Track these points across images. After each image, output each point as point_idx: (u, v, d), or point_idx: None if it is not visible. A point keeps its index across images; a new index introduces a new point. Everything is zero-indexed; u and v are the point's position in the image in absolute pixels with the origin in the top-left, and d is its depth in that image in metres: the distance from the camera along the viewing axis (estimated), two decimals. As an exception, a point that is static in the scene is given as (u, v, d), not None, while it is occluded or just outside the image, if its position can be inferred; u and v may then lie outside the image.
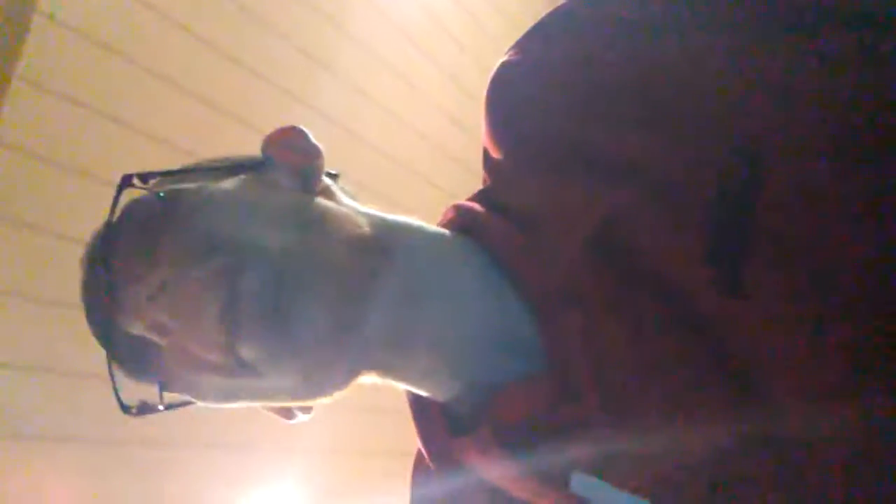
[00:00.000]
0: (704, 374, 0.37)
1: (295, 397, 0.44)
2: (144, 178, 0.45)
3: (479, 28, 2.06)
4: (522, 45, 0.46)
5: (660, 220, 0.39)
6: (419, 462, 0.49)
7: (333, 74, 1.73)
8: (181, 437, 1.37)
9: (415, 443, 0.48)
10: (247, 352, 0.39)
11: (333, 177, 0.49)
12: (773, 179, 0.36)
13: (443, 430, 0.46)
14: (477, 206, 0.47)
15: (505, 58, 0.47)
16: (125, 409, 0.43)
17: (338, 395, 0.44)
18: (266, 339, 0.39)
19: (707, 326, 0.37)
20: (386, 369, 0.44)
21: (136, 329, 0.40)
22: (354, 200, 0.48)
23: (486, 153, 0.49)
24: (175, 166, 0.49)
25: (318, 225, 0.43)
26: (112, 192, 0.44)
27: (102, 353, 0.44)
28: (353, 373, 0.43)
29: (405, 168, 1.90)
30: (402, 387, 0.47)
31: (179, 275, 0.40)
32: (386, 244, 0.44)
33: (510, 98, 0.46)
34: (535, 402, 0.41)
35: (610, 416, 0.38)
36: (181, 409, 0.45)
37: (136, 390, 0.43)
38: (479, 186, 0.50)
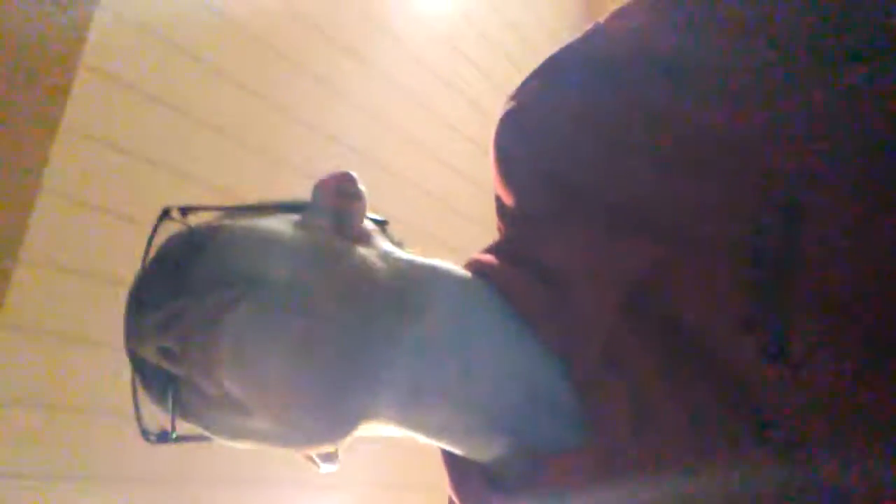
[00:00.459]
0: (749, 447, 0.36)
1: (285, 443, 0.43)
2: (184, 211, 0.46)
3: (501, 54, 2.08)
4: (529, 91, 0.45)
5: (697, 281, 0.37)
6: None
7: (369, 115, 1.76)
8: (195, 471, 1.37)
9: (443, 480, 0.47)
10: (230, 386, 0.39)
11: (382, 223, 0.49)
12: (811, 237, 0.35)
13: (482, 488, 0.44)
14: (496, 262, 0.45)
15: (511, 104, 0.45)
16: (145, 434, 0.43)
17: (347, 441, 0.43)
18: (237, 375, 0.39)
19: (747, 392, 0.36)
20: (400, 421, 0.43)
21: (149, 355, 0.41)
22: (398, 247, 0.47)
23: (499, 200, 0.48)
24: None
25: (327, 267, 0.42)
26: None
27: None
28: (342, 426, 0.41)
29: (429, 197, 1.91)
30: (426, 440, 0.45)
31: (192, 306, 0.40)
32: (405, 294, 0.43)
33: (521, 146, 0.45)
34: (581, 471, 0.40)
35: (656, 482, 0.37)
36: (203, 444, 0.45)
37: (160, 420, 0.44)
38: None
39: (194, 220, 0.46)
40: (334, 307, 0.40)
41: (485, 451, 0.44)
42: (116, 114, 1.27)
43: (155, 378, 0.43)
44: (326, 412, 0.41)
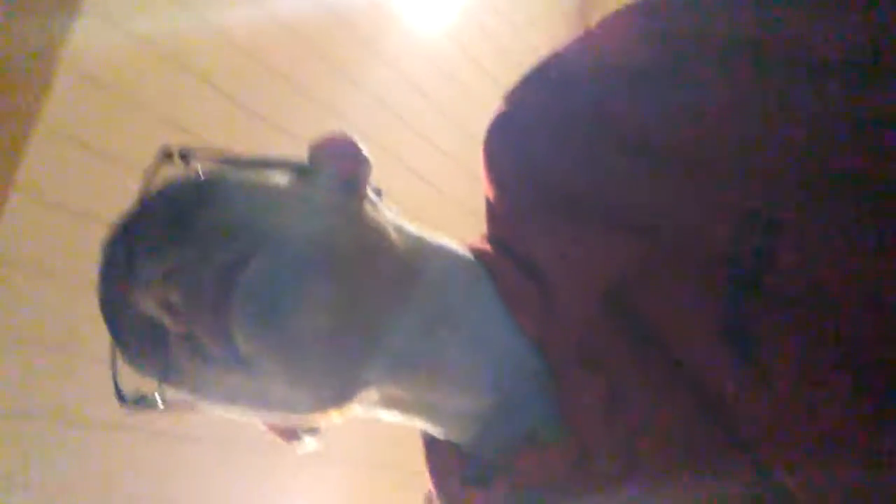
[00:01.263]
0: (714, 449, 0.37)
1: (290, 408, 0.41)
2: (185, 156, 0.43)
3: (490, 79, 2.11)
4: (519, 94, 0.45)
5: (673, 284, 0.38)
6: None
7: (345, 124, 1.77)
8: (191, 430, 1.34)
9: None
10: (237, 339, 0.37)
11: (377, 193, 0.48)
12: (787, 247, 0.35)
13: (457, 477, 0.44)
14: (487, 248, 0.46)
15: (503, 107, 0.46)
16: (122, 399, 0.40)
17: (339, 415, 0.41)
18: (254, 327, 0.37)
19: (721, 399, 0.36)
20: (399, 397, 0.43)
21: (148, 306, 0.38)
22: (397, 217, 0.47)
23: (488, 201, 0.48)
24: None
25: (351, 228, 0.41)
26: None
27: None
28: (350, 389, 0.40)
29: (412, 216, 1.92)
30: (413, 422, 0.45)
31: (198, 257, 0.38)
32: (416, 266, 0.42)
33: (511, 148, 0.45)
34: (552, 467, 0.40)
35: (628, 483, 0.38)
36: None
37: (138, 383, 0.41)
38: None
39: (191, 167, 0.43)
40: (358, 268, 0.39)
41: (469, 429, 0.44)
42: (95, 116, 1.25)
43: (139, 338, 0.40)
44: (342, 376, 0.39)
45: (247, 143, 1.49)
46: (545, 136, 0.43)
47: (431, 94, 2.00)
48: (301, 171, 0.45)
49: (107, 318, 0.42)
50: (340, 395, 0.40)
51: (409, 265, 0.42)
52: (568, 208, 0.42)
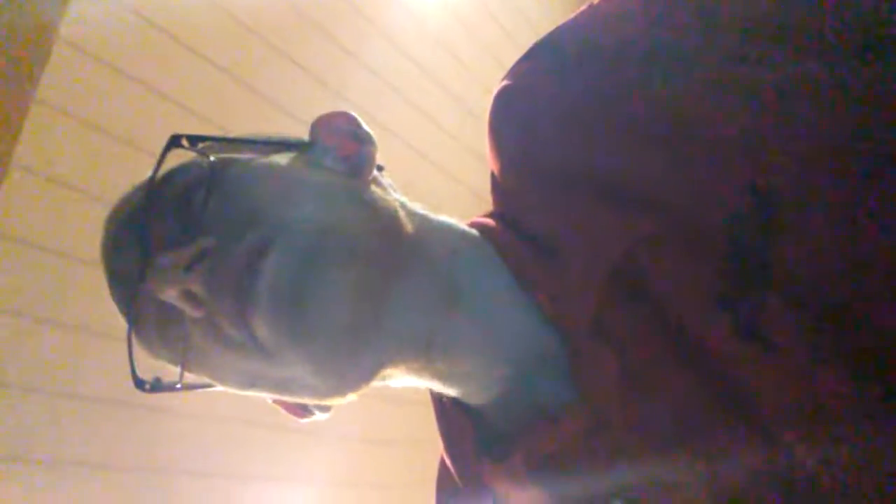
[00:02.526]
0: (722, 418, 0.37)
1: (311, 390, 0.41)
2: (194, 140, 0.42)
3: (493, 58, 2.09)
4: (522, 70, 0.45)
5: (678, 257, 0.38)
6: (444, 479, 0.48)
7: (345, 102, 1.76)
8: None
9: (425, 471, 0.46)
10: (260, 330, 0.37)
11: (380, 169, 0.48)
12: (786, 220, 0.36)
13: (472, 450, 0.45)
14: (494, 224, 0.46)
15: (505, 82, 0.46)
16: (139, 384, 0.40)
17: (360, 392, 0.41)
18: (278, 318, 0.37)
19: (723, 370, 0.37)
20: (419, 370, 0.43)
21: (169, 297, 0.37)
22: (401, 196, 0.47)
23: (493, 177, 0.48)
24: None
25: (367, 211, 0.41)
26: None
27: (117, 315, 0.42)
28: (373, 368, 0.40)
29: (410, 193, 1.92)
30: (435, 388, 0.45)
31: (219, 246, 0.38)
32: (426, 243, 0.43)
33: (516, 121, 0.45)
34: (567, 438, 0.40)
35: (642, 449, 0.38)
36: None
37: (152, 366, 0.41)
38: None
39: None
40: (380, 249, 0.40)
41: (487, 397, 0.44)
42: (92, 91, 1.24)
43: (155, 324, 0.40)
44: (362, 359, 0.39)
45: (245, 120, 1.48)
46: (549, 111, 0.43)
47: (432, 70, 1.98)
48: (304, 150, 0.45)
49: (122, 307, 0.42)
50: (362, 377, 0.40)
51: (419, 244, 0.42)
52: (573, 184, 0.42)
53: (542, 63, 0.44)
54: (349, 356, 0.39)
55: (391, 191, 0.46)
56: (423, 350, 0.42)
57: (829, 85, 0.36)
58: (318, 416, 0.47)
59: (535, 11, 2.31)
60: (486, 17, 2.13)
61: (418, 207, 0.47)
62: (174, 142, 0.42)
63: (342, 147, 0.45)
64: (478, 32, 2.10)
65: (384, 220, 0.42)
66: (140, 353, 0.41)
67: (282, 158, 0.44)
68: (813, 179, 0.36)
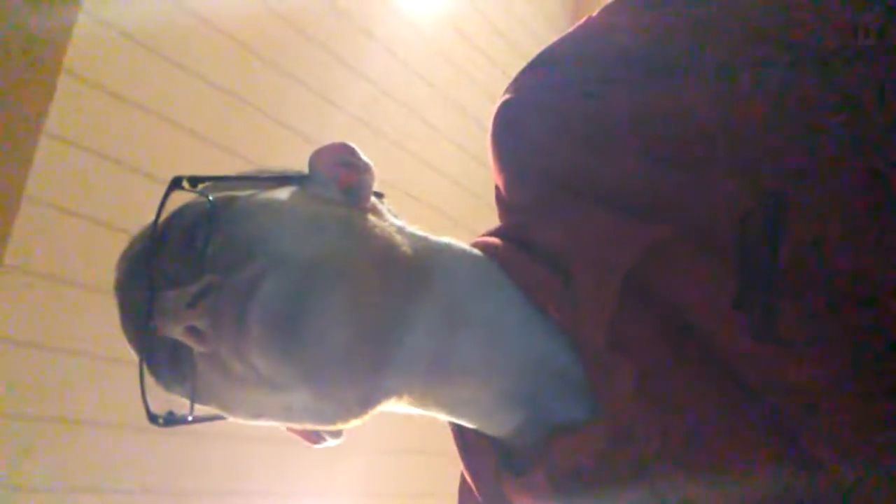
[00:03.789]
0: (743, 424, 0.37)
1: (316, 418, 0.42)
2: (194, 181, 0.44)
3: (492, 64, 2.10)
4: (523, 83, 0.46)
5: (691, 263, 0.38)
6: (465, 494, 0.47)
7: (345, 114, 1.77)
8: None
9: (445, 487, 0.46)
10: (258, 360, 0.38)
11: (379, 196, 0.48)
12: (796, 222, 0.36)
13: (493, 465, 0.45)
14: (500, 243, 0.46)
15: (506, 96, 0.46)
16: (153, 418, 0.41)
17: (367, 418, 0.42)
18: (274, 350, 0.38)
19: (742, 374, 0.37)
20: (423, 396, 0.43)
21: (175, 333, 0.39)
22: (400, 220, 0.48)
23: (498, 190, 0.48)
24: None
25: (360, 239, 0.42)
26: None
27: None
28: (375, 393, 0.41)
29: (420, 203, 1.92)
30: (444, 418, 0.45)
31: (220, 282, 0.39)
32: (426, 267, 0.43)
33: (519, 134, 0.45)
34: (590, 450, 0.40)
35: (663, 463, 0.38)
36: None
37: (165, 399, 0.42)
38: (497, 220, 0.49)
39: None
40: (374, 276, 0.40)
41: (501, 425, 0.44)
42: (98, 119, 1.26)
43: (166, 359, 0.41)
44: (365, 384, 0.40)
45: (246, 137, 1.50)
46: (551, 122, 0.44)
47: (430, 77, 1.98)
48: (304, 183, 0.46)
49: (134, 345, 0.44)
50: (365, 403, 0.41)
51: (419, 268, 0.43)
52: (579, 194, 0.43)
53: (543, 75, 0.45)
54: (348, 381, 0.40)
55: (390, 216, 0.47)
56: (429, 374, 0.42)
57: (829, 87, 0.36)
58: (330, 443, 0.47)
59: (534, 19, 2.31)
60: (484, 25, 2.14)
61: (418, 230, 0.47)
62: (175, 184, 0.43)
63: (340, 177, 0.46)
64: (477, 40, 2.11)
65: (379, 247, 0.42)
66: (156, 388, 0.43)
67: (281, 193, 0.45)
68: (820, 180, 0.36)
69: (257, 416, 0.42)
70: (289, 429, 0.47)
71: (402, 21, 1.91)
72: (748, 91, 0.38)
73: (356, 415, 0.41)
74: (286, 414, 0.42)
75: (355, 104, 1.76)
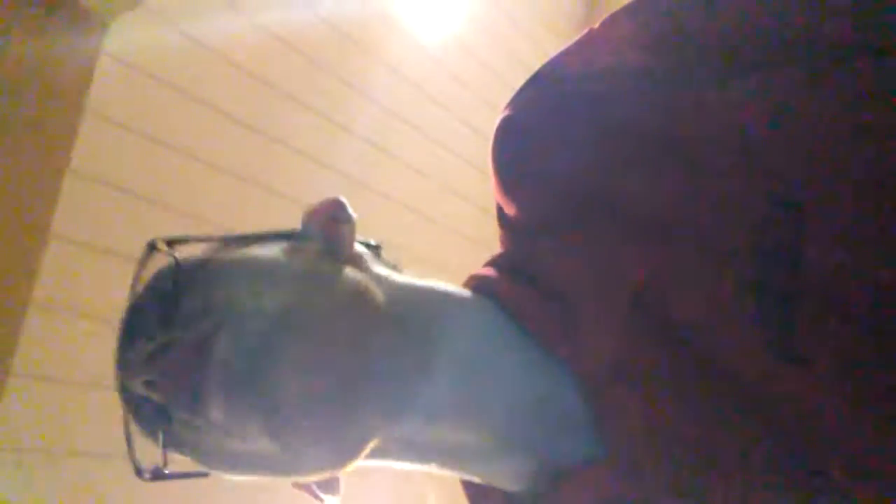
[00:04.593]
0: (757, 452, 0.36)
1: (288, 470, 0.42)
2: (170, 244, 0.45)
3: (499, 80, 2.10)
4: (523, 99, 0.45)
5: (699, 282, 0.37)
6: None
7: (354, 136, 1.78)
8: None
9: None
10: (215, 412, 0.38)
11: (375, 248, 0.48)
12: (813, 234, 0.35)
13: None
14: (498, 278, 0.45)
15: (506, 112, 0.45)
16: (139, 472, 0.42)
17: (349, 468, 0.41)
18: (231, 397, 0.38)
19: (762, 395, 0.35)
20: (408, 444, 0.42)
21: (136, 387, 0.40)
22: (394, 270, 0.47)
23: (500, 209, 0.48)
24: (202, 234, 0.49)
25: (323, 290, 0.41)
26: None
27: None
28: (349, 449, 0.40)
29: (427, 221, 1.92)
30: (444, 472, 0.44)
31: (178, 338, 0.40)
32: (399, 314, 0.42)
33: (519, 152, 0.44)
34: (597, 488, 0.39)
35: (676, 497, 0.37)
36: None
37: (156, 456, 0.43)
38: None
39: (185, 251, 0.45)
40: (332, 329, 0.40)
41: (502, 474, 0.43)
42: (122, 157, 1.28)
43: (145, 411, 0.42)
44: (331, 437, 0.40)
45: (256, 164, 1.50)
46: (551, 141, 0.43)
47: (439, 97, 1.98)
48: (292, 239, 0.46)
49: (123, 401, 0.44)
50: (337, 457, 0.41)
51: (391, 316, 0.42)
52: (580, 216, 0.42)
53: (543, 92, 0.44)
54: (312, 432, 0.39)
55: (376, 266, 0.46)
56: (426, 424, 0.41)
57: (837, 89, 0.36)
58: (330, 501, 0.46)
59: (539, 30, 2.31)
60: (488, 39, 2.15)
61: (406, 279, 0.46)
62: (151, 248, 0.45)
63: (327, 230, 0.46)
64: (480, 54, 2.11)
65: (344, 296, 0.42)
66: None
67: (261, 249, 0.45)
68: (840, 193, 0.35)
69: (232, 467, 0.42)
70: (294, 484, 0.46)
71: (409, 41, 1.91)
72: (761, 100, 0.37)
73: (334, 466, 0.41)
74: (260, 466, 0.41)
75: (365, 126, 1.77)
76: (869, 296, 0.34)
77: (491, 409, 0.41)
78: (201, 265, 0.43)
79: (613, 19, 0.43)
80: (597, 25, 0.44)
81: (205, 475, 0.44)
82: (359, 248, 0.46)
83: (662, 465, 0.37)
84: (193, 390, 0.38)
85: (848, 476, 0.34)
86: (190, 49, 1.40)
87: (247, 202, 1.48)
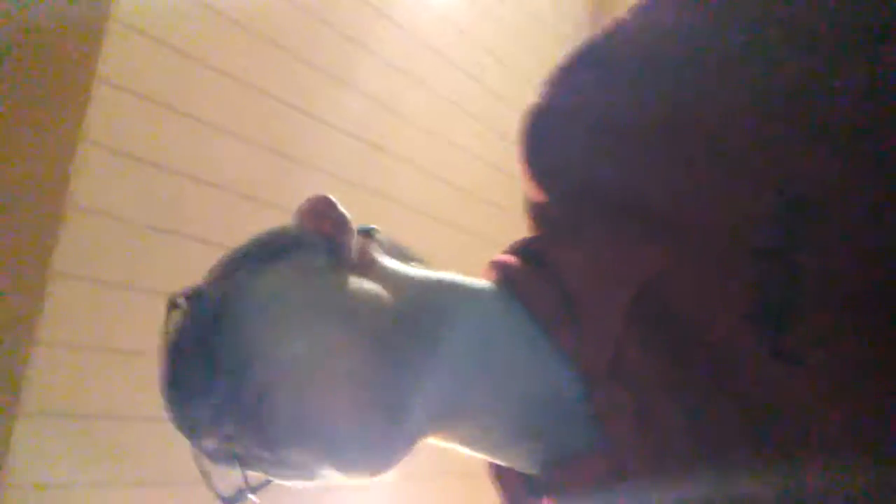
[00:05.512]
0: (754, 449, 0.36)
1: (354, 477, 0.44)
2: (189, 297, 0.45)
3: (509, 71, 2.06)
4: (554, 86, 0.45)
5: (701, 278, 0.38)
6: None
7: (382, 106, 1.76)
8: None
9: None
10: (286, 455, 0.42)
11: (368, 233, 0.48)
12: (812, 231, 0.35)
13: (524, 495, 0.46)
14: (517, 264, 0.46)
15: (536, 101, 0.46)
16: (224, 500, 0.44)
17: (400, 462, 0.43)
18: (297, 445, 0.41)
19: (756, 393, 0.36)
20: (435, 436, 0.45)
21: (210, 443, 0.43)
22: (399, 255, 0.48)
23: (526, 197, 0.48)
24: (214, 262, 0.49)
25: (344, 322, 0.42)
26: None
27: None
28: (400, 451, 0.42)
29: (436, 215, 1.89)
30: (462, 450, 0.47)
31: (233, 390, 0.41)
32: (418, 319, 0.43)
33: (548, 141, 0.45)
34: (588, 478, 0.41)
35: (661, 489, 0.38)
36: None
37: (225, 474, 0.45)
38: (514, 228, 0.50)
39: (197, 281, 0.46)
40: (358, 356, 0.41)
41: (517, 458, 0.45)
42: (137, 128, 1.28)
43: (218, 453, 0.44)
44: (383, 449, 0.42)
45: (262, 127, 1.49)
46: (578, 130, 0.44)
47: (447, 52, 1.94)
48: (292, 253, 0.46)
49: (191, 447, 0.46)
50: (391, 461, 0.42)
51: (412, 321, 0.43)
52: (596, 207, 0.43)
53: (569, 80, 0.45)
54: (371, 450, 0.42)
55: (381, 266, 0.46)
56: (447, 419, 0.43)
57: (848, 81, 0.35)
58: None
59: (552, 19, 2.24)
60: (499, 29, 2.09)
61: (411, 271, 0.47)
62: (172, 307, 0.45)
63: (326, 232, 0.46)
64: (487, 7, 2.06)
65: (364, 319, 0.43)
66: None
67: (270, 277, 0.45)
68: (840, 189, 0.35)
69: (305, 483, 0.44)
70: None
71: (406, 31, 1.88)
72: (765, 96, 0.37)
73: (391, 467, 0.43)
74: (320, 475, 0.44)
75: (372, 82, 1.75)
76: (868, 296, 0.34)
77: (510, 404, 0.43)
78: (223, 304, 0.44)
79: (642, 8, 0.43)
80: (625, 14, 0.44)
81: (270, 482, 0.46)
82: (360, 241, 0.46)
83: (650, 457, 0.39)
84: (262, 436, 0.41)
85: (841, 474, 0.34)
86: (198, 14, 1.38)
87: (258, 166, 1.48)
